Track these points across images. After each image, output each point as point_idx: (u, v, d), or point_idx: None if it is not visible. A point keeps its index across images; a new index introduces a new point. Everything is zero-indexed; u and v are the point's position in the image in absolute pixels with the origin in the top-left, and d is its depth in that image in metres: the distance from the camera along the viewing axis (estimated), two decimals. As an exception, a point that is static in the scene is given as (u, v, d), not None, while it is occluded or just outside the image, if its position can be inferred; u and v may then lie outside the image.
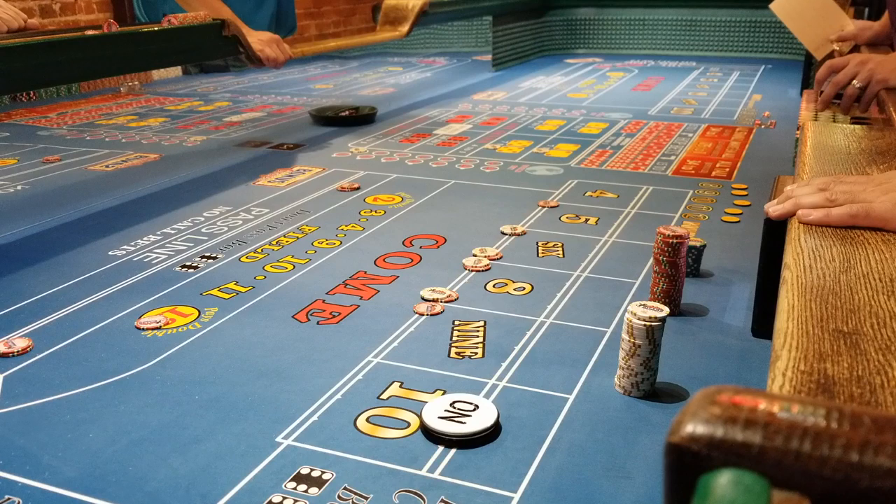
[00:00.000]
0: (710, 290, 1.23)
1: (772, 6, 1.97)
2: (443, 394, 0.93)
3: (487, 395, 0.92)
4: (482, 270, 1.31)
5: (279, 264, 1.34)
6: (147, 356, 1.02)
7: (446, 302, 1.18)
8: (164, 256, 1.38)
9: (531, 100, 3.05)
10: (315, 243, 1.45)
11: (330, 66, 4.15)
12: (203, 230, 1.52)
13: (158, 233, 1.51)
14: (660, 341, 0.91)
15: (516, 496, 0.75)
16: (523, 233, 1.50)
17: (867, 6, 3.04)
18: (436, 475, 0.78)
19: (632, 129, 2.49)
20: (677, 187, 1.81)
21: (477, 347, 1.04)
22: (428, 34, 4.65)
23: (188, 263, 1.35)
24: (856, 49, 1.85)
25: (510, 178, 1.91)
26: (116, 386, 0.95)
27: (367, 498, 0.74)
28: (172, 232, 1.51)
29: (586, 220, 1.58)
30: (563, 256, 1.38)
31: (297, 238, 1.47)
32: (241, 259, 1.37)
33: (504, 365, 1.00)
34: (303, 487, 0.76)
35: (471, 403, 0.88)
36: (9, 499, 0.74)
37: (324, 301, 1.19)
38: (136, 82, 3.33)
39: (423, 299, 1.19)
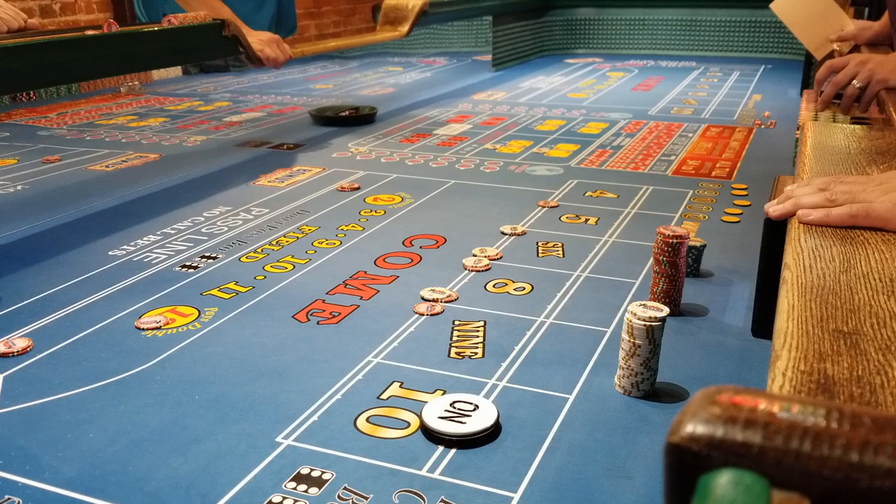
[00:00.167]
0: (710, 290, 1.23)
1: (772, 6, 1.97)
2: (443, 394, 0.93)
3: (487, 395, 0.92)
4: (482, 270, 1.31)
5: (279, 264, 1.34)
6: (147, 356, 1.02)
7: (446, 302, 1.18)
8: (164, 256, 1.38)
9: (531, 100, 3.05)
10: (315, 243, 1.45)
11: (330, 66, 4.15)
12: (203, 230, 1.52)
13: (158, 233, 1.51)
14: (660, 341, 0.91)
15: (516, 496, 0.75)
16: (523, 233, 1.50)
17: (867, 6, 3.04)
18: (436, 475, 0.78)
19: (632, 129, 2.49)
20: (677, 187, 1.81)
21: (477, 347, 1.04)
22: (428, 34, 4.65)
23: (188, 263, 1.35)
24: (856, 49, 1.85)
25: (510, 178, 1.91)
26: (116, 386, 0.95)
27: (367, 498, 0.74)
28: (172, 232, 1.51)
29: (586, 220, 1.58)
30: (563, 256, 1.38)
31: (297, 238, 1.47)
32: (241, 259, 1.37)
33: (504, 365, 1.00)
34: (303, 487, 0.76)
35: (471, 403, 0.88)
36: (9, 499, 0.74)
37: (324, 301, 1.19)
38: (136, 82, 3.33)
39: (423, 299, 1.19)
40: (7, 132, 2.46)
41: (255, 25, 2.33)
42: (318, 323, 1.12)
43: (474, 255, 1.38)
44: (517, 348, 1.04)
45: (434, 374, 0.98)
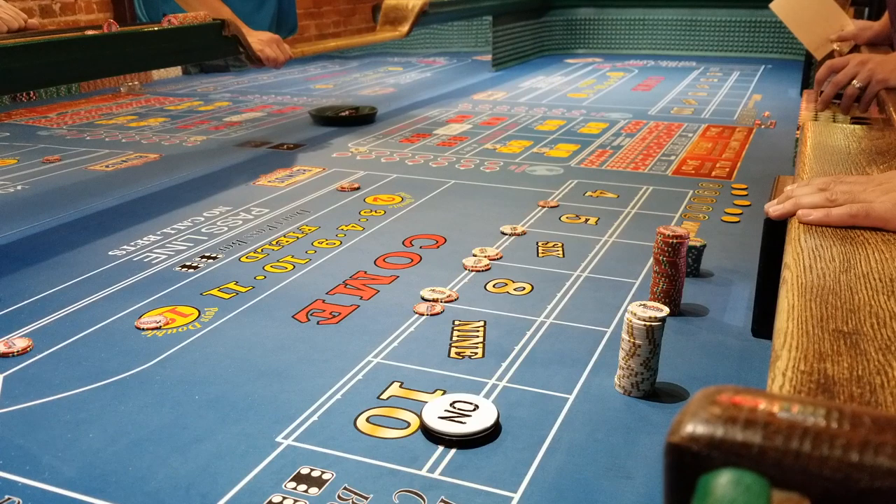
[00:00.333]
0: (710, 290, 1.23)
1: (772, 6, 1.97)
2: (443, 394, 0.93)
3: (487, 395, 0.92)
4: (482, 270, 1.31)
5: (279, 264, 1.34)
6: (147, 356, 1.02)
7: (446, 302, 1.18)
8: (164, 256, 1.38)
9: (531, 100, 3.05)
10: (315, 243, 1.45)
11: (330, 66, 4.15)
12: (203, 230, 1.52)
13: (158, 233, 1.51)
14: (660, 341, 0.91)
15: (516, 496, 0.75)
16: (523, 233, 1.50)
17: (867, 6, 3.04)
18: (436, 475, 0.78)
19: (632, 129, 2.49)
20: (677, 187, 1.81)
21: (477, 347, 1.04)
22: (428, 34, 4.65)
23: (188, 263, 1.35)
24: (856, 49, 1.85)
25: (510, 178, 1.91)
26: (116, 386, 0.95)
27: (367, 498, 0.74)
28: (172, 232, 1.51)
29: (586, 220, 1.58)
30: (563, 256, 1.38)
31: (297, 238, 1.47)
32: (241, 259, 1.37)
33: (504, 365, 1.00)
34: (303, 487, 0.76)
35: (471, 403, 0.88)
36: (9, 499, 0.74)
37: (324, 301, 1.19)
38: (136, 82, 3.33)
39: (423, 299, 1.19)
40: (7, 132, 2.46)
41: (255, 26, 2.34)
42: (318, 323, 1.12)
43: (474, 255, 1.38)
44: (517, 348, 1.04)
45: (434, 374, 0.98)
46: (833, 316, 0.54)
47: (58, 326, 1.11)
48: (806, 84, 2.99)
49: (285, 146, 2.26)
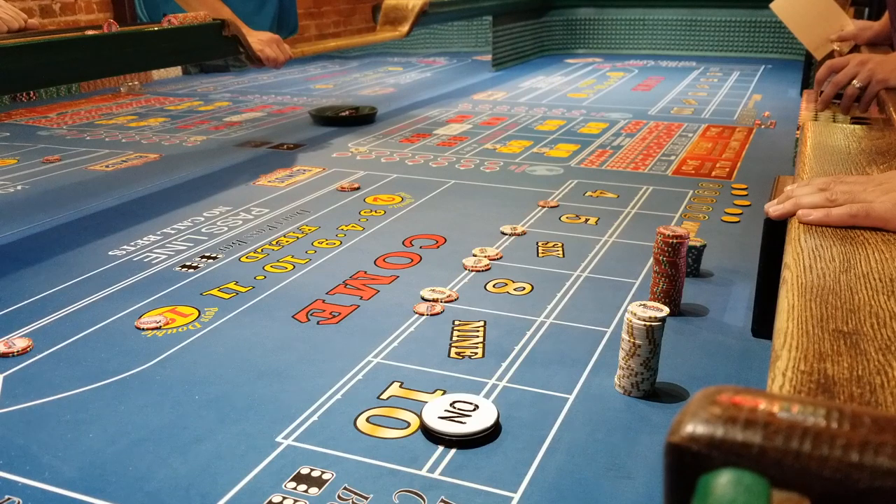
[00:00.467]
0: (710, 290, 1.23)
1: (772, 6, 1.97)
2: (443, 394, 0.93)
3: (487, 395, 0.92)
4: (482, 270, 1.31)
5: (279, 264, 1.34)
6: (147, 356, 1.02)
7: (446, 302, 1.18)
8: (164, 256, 1.38)
9: (531, 100, 3.05)
10: (315, 243, 1.45)
11: (330, 66, 4.15)
12: (203, 230, 1.52)
13: (158, 233, 1.51)
14: (660, 341, 0.91)
15: (516, 496, 0.75)
16: (523, 233, 1.50)
17: (867, 6, 3.04)
18: (436, 475, 0.78)
19: (632, 129, 2.49)
20: (677, 187, 1.81)
21: (477, 347, 1.04)
22: (428, 34, 4.65)
23: (188, 263, 1.35)
24: (856, 49, 1.85)
25: (510, 178, 1.91)
26: (116, 386, 0.95)
27: (367, 498, 0.74)
28: (172, 232, 1.51)
29: (586, 220, 1.58)
30: (563, 256, 1.38)
31: (297, 238, 1.47)
32: (241, 259, 1.37)
33: (504, 365, 1.00)
34: (303, 487, 0.76)
35: (471, 403, 0.88)
36: (9, 499, 0.74)
37: (324, 301, 1.19)
38: (136, 82, 3.33)
39: (423, 299, 1.19)
40: (7, 132, 2.46)
41: (256, 26, 2.33)
42: (318, 323, 1.12)
43: (474, 255, 1.38)
44: (517, 348, 1.04)
45: (434, 374, 0.98)
46: (833, 316, 0.54)
47: (58, 326, 1.11)
48: (806, 84, 2.99)
49: (285, 146, 2.26)
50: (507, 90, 3.28)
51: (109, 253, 1.40)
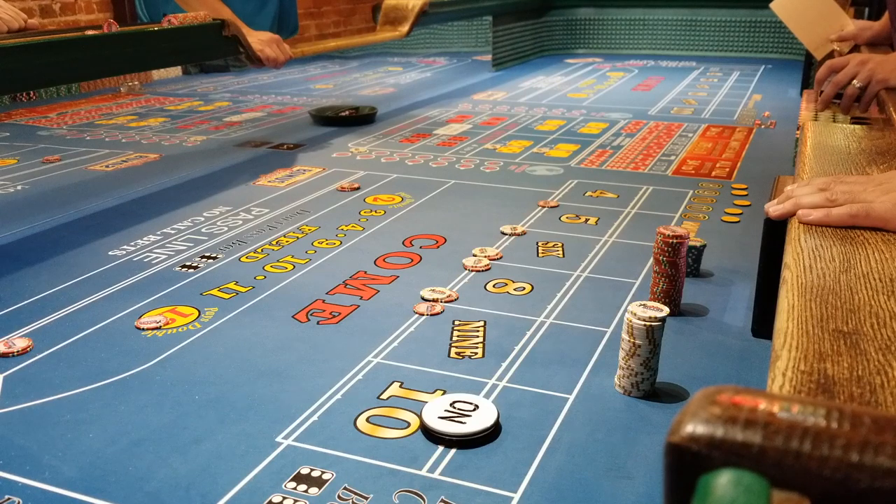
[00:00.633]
0: (710, 290, 1.23)
1: (772, 6, 1.97)
2: (443, 394, 0.93)
3: (487, 395, 0.92)
4: (482, 270, 1.31)
5: (279, 264, 1.34)
6: (147, 356, 1.02)
7: (446, 302, 1.18)
8: (164, 256, 1.38)
9: (531, 100, 3.05)
10: (315, 243, 1.45)
11: (330, 66, 4.15)
12: (203, 230, 1.52)
13: (158, 233, 1.51)
14: (660, 341, 0.91)
15: (516, 496, 0.75)
16: (523, 233, 1.50)
17: (867, 6, 3.04)
18: (436, 475, 0.78)
19: (632, 129, 2.49)
20: (677, 187, 1.81)
21: (477, 347, 1.04)
22: (428, 34, 4.65)
23: (188, 263, 1.35)
24: (856, 49, 1.85)
25: (510, 178, 1.91)
26: (116, 386, 0.95)
27: (367, 498, 0.74)
28: (172, 232, 1.51)
29: (586, 220, 1.58)
30: (563, 256, 1.38)
31: (297, 238, 1.47)
32: (241, 259, 1.37)
33: (504, 365, 1.00)
34: (303, 487, 0.76)
35: (471, 403, 0.88)
36: (9, 499, 0.74)
37: (324, 301, 1.19)
38: (136, 82, 3.33)
39: (423, 299, 1.19)
40: (7, 132, 2.46)
41: (257, 27, 2.34)
42: (318, 323, 1.12)
43: (474, 255, 1.38)
44: (517, 348, 1.04)
45: (434, 374, 0.98)
46: (833, 316, 0.54)
47: (58, 326, 1.11)
48: (806, 84, 2.99)
49: (285, 146, 2.26)
50: (507, 90, 3.28)
51: (109, 253, 1.40)
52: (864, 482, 0.25)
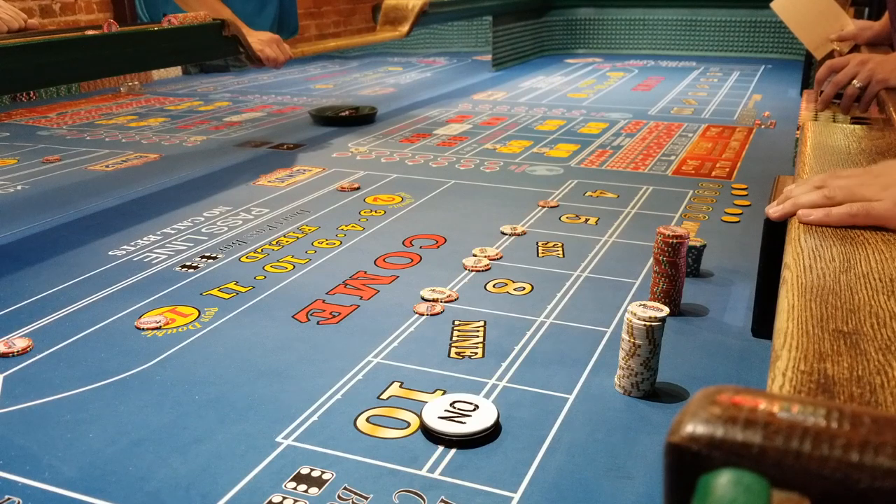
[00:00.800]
0: (710, 290, 1.23)
1: (772, 5, 1.97)
2: (443, 394, 0.93)
3: (487, 395, 0.92)
4: (482, 270, 1.31)
5: (279, 264, 1.34)
6: (147, 356, 1.02)
7: (446, 302, 1.18)
8: (164, 256, 1.38)
9: (531, 100, 3.05)
10: (315, 243, 1.45)
11: (330, 66, 4.15)
12: (203, 230, 1.52)
13: (158, 233, 1.51)
14: (660, 341, 0.91)
15: (516, 496, 0.75)
16: (523, 233, 1.50)
17: (867, 6, 3.04)
18: (436, 475, 0.78)
19: (632, 129, 2.49)
20: (677, 187, 1.81)
21: (477, 347, 1.04)
22: (428, 34, 4.65)
23: (188, 263, 1.35)
24: (856, 49, 1.85)
25: (510, 178, 1.91)
26: (116, 386, 0.95)
27: (367, 498, 0.74)
28: (172, 232, 1.51)
29: (586, 220, 1.58)
30: (563, 256, 1.38)
31: (297, 238, 1.47)
32: (241, 259, 1.37)
33: (504, 365, 1.00)
34: (303, 487, 0.76)
35: (471, 403, 0.88)
36: (9, 499, 0.74)
37: (324, 301, 1.19)
38: (136, 82, 3.33)
39: (423, 299, 1.19)
40: (7, 132, 2.46)
41: (257, 27, 2.33)
42: (318, 323, 1.12)
43: (474, 255, 1.38)
44: (517, 348, 1.04)
45: (434, 374, 0.98)
46: (833, 316, 0.54)
47: (58, 326, 1.11)
48: (806, 84, 2.99)
49: (285, 146, 2.26)
50: (507, 90, 3.28)
51: (109, 253, 1.40)
52: (864, 482, 0.25)
